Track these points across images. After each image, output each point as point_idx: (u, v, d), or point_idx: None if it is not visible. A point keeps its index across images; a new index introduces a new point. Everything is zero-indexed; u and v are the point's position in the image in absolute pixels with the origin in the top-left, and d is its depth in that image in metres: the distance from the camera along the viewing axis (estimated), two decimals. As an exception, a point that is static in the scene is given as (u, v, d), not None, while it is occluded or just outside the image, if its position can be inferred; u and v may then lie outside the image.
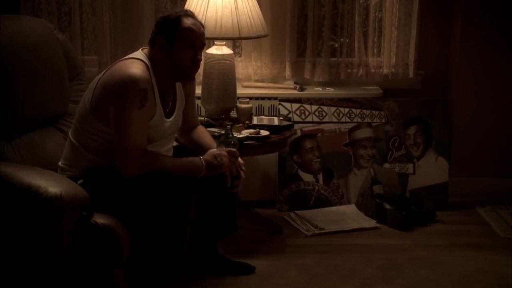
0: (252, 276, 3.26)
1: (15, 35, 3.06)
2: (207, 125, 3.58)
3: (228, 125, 3.24)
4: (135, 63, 2.85)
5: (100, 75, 2.90)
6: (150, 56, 2.90)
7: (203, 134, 3.21)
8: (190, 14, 2.95)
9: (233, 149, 3.00)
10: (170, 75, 2.93)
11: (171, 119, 2.98)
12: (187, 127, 3.20)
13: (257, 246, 3.58)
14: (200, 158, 2.88)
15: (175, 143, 3.22)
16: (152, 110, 2.85)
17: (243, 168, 3.02)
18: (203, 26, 2.97)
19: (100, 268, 2.72)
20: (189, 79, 3.02)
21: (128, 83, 2.75)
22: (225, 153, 2.93)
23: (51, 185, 2.65)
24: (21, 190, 2.67)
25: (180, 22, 2.89)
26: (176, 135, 3.17)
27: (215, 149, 2.98)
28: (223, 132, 3.35)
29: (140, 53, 2.92)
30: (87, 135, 2.88)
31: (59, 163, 2.98)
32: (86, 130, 2.88)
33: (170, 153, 3.05)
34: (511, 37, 4.15)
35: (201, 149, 3.07)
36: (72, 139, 2.95)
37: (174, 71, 2.91)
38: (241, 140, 3.40)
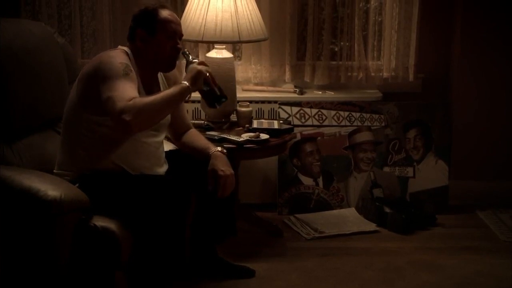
0: (252, 279, 3.26)
1: (15, 39, 3.06)
2: (206, 128, 3.58)
3: (185, 50, 3.06)
4: (115, 50, 2.93)
5: (82, 71, 2.93)
6: (131, 50, 2.95)
7: (196, 136, 3.21)
8: (166, 6, 3.01)
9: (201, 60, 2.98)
10: (152, 66, 2.97)
11: None
12: (180, 131, 3.22)
13: (257, 249, 3.58)
14: (183, 82, 2.86)
15: (174, 147, 3.24)
16: (137, 85, 2.85)
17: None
18: None
19: (101, 271, 2.72)
20: (170, 69, 3.05)
21: (108, 61, 2.81)
22: (195, 65, 2.92)
23: (50, 188, 2.65)
24: (21, 193, 2.67)
25: (158, 13, 2.94)
26: (170, 137, 3.20)
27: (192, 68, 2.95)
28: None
29: (120, 47, 2.99)
30: (79, 132, 2.88)
31: (54, 171, 2.96)
32: (77, 126, 2.88)
33: (162, 146, 3.08)
34: (511, 41, 4.16)
35: (196, 152, 3.10)
36: (63, 140, 2.95)
37: (155, 62, 2.96)
38: (241, 143, 3.40)
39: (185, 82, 2.85)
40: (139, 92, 2.83)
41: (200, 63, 2.96)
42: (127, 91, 2.72)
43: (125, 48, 2.95)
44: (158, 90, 3.02)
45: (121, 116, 2.66)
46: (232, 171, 2.99)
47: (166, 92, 2.83)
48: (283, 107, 4.06)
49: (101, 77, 2.78)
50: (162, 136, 3.10)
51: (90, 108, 2.84)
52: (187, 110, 4.00)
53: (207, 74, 2.91)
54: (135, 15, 2.96)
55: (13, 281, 2.76)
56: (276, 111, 4.07)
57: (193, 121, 3.59)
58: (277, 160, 4.06)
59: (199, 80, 2.89)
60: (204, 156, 3.04)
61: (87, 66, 2.91)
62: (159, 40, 2.93)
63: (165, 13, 2.95)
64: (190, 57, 3.03)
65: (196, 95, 3.30)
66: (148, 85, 2.97)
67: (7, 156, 2.97)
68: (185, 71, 3.00)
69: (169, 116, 3.09)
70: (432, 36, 4.25)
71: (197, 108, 3.99)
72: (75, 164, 2.90)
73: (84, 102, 2.85)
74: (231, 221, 3.20)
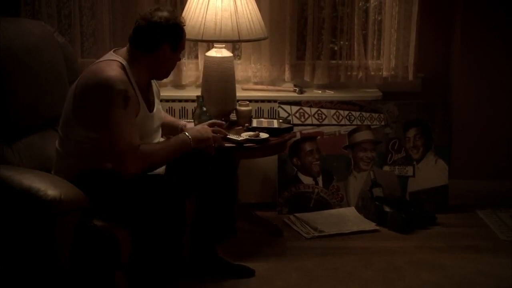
0: (252, 279, 3.26)
1: (15, 38, 3.07)
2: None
3: (200, 97, 3.36)
4: (110, 64, 2.83)
5: (77, 81, 2.88)
6: (131, 57, 2.89)
7: (164, 115, 3.32)
8: (182, 17, 3.05)
9: (217, 121, 3.14)
10: (150, 75, 2.97)
11: (154, 112, 3.00)
12: None
13: (257, 249, 3.58)
14: (185, 134, 2.95)
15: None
16: (136, 107, 2.85)
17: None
18: None
19: (101, 271, 2.72)
20: (164, 78, 3.11)
21: (106, 87, 2.74)
22: (207, 126, 3.04)
23: (50, 188, 2.65)
24: (21, 193, 2.67)
25: (183, 30, 2.96)
26: None
27: (198, 125, 3.12)
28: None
29: (112, 55, 2.91)
30: (76, 144, 2.86)
31: (51, 173, 2.96)
32: (74, 138, 2.86)
33: None
34: (511, 41, 4.16)
35: (169, 127, 3.26)
36: (59, 150, 2.93)
37: (156, 72, 2.97)
38: (241, 142, 3.40)
39: (189, 137, 2.93)
40: (136, 98, 2.84)
41: (213, 124, 3.05)
42: (130, 133, 2.75)
43: (120, 59, 2.86)
44: (151, 93, 3.03)
45: (124, 160, 2.73)
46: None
47: (168, 144, 2.91)
48: (282, 106, 4.06)
49: (99, 105, 2.75)
50: (158, 138, 3.09)
51: (88, 125, 2.82)
52: (186, 109, 4.01)
53: (214, 145, 2.99)
54: (162, 26, 2.87)
55: (13, 281, 2.76)
56: (275, 110, 4.07)
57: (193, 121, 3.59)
58: (277, 159, 4.06)
59: (202, 145, 2.96)
60: (174, 130, 3.24)
61: (84, 82, 2.82)
62: (176, 56, 2.96)
63: (185, 29, 2.96)
64: (203, 108, 3.27)
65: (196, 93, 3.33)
66: (144, 89, 2.95)
67: (7, 156, 2.98)
68: (193, 116, 3.20)
69: (161, 114, 3.10)
70: (431, 36, 4.25)
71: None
72: (73, 172, 2.88)
73: (82, 119, 2.83)
74: (231, 221, 3.21)
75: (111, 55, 2.90)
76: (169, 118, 3.41)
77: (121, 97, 2.74)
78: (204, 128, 3.03)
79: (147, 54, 2.89)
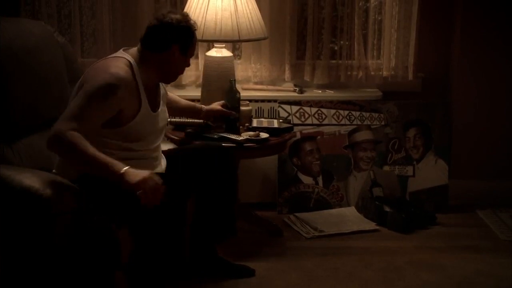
0: (252, 278, 3.26)
1: (15, 38, 3.06)
2: (206, 127, 3.57)
3: (232, 79, 3.49)
4: (117, 61, 2.85)
5: (82, 77, 2.88)
6: (140, 57, 2.89)
7: (176, 98, 3.42)
8: (195, 22, 3.01)
9: (161, 186, 2.65)
10: (159, 77, 2.96)
11: (158, 111, 2.98)
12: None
13: (257, 249, 3.58)
14: (124, 167, 2.63)
15: (173, 146, 3.24)
16: (133, 105, 2.83)
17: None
18: None
19: (101, 271, 2.72)
20: (172, 81, 3.10)
21: (102, 78, 2.74)
22: (156, 178, 2.66)
23: (50, 187, 2.65)
24: (21, 192, 2.67)
25: (194, 34, 2.95)
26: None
27: (149, 172, 2.69)
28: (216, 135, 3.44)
29: (121, 53, 2.92)
30: None
31: (53, 170, 2.95)
32: None
33: (159, 151, 3.05)
34: (511, 41, 4.16)
35: (189, 110, 3.44)
36: None
37: (166, 74, 2.97)
38: (241, 142, 3.40)
39: (123, 174, 2.60)
40: (135, 97, 2.82)
41: (158, 186, 2.64)
42: (82, 118, 2.66)
43: (128, 57, 2.87)
44: (159, 94, 3.03)
45: (53, 133, 2.63)
46: None
47: (97, 156, 2.62)
48: (283, 106, 4.06)
49: (86, 85, 2.74)
50: (161, 138, 3.08)
51: None
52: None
53: (140, 193, 2.60)
54: (173, 26, 2.88)
55: (13, 281, 2.76)
56: (276, 110, 4.07)
57: (193, 120, 3.59)
58: (277, 159, 4.06)
59: (127, 187, 2.60)
60: (195, 113, 3.46)
61: (87, 74, 2.84)
62: (185, 59, 2.96)
63: (196, 33, 2.97)
64: (234, 88, 3.44)
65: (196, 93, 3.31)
66: (152, 91, 2.95)
67: (7, 156, 2.97)
68: (225, 98, 3.37)
69: (166, 114, 3.10)
70: (431, 36, 4.25)
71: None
72: (71, 169, 2.86)
73: None
74: (231, 221, 3.21)
75: (120, 53, 2.92)
76: (186, 102, 3.48)
77: (107, 89, 2.72)
78: (144, 175, 2.61)
79: (156, 54, 2.89)
